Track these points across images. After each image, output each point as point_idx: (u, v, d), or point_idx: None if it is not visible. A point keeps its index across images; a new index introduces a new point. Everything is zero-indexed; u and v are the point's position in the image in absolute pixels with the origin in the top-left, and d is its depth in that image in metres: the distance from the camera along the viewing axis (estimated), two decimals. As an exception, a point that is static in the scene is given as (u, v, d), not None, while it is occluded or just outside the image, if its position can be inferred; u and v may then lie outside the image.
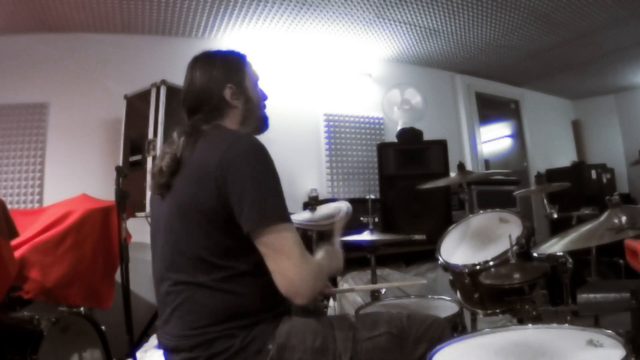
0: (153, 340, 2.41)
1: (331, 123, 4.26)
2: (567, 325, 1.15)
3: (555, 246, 1.38)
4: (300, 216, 2.19)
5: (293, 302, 1.12)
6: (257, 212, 1.10)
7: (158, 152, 2.77)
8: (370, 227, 2.15)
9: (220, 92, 1.30)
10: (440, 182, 2.27)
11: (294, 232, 1.13)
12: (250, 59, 1.43)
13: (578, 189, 4.83)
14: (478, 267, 1.69)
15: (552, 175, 5.22)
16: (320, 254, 1.29)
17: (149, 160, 2.80)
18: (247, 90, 1.35)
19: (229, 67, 1.35)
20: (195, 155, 1.20)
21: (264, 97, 1.44)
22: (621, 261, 3.37)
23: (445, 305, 1.82)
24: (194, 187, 1.16)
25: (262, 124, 1.43)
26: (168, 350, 1.20)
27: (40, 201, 3.20)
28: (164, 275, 1.21)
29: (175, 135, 1.28)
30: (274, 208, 1.12)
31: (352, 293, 3.02)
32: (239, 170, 1.11)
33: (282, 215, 1.12)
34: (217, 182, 1.12)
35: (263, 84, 1.47)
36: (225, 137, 1.21)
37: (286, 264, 1.09)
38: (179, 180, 1.21)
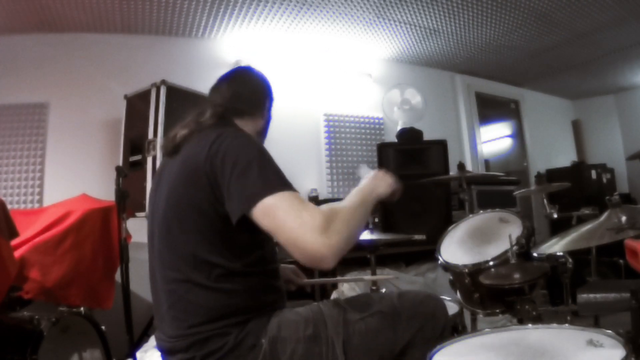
0: (153, 340, 2.40)
1: (331, 123, 4.26)
2: (567, 325, 1.15)
3: (555, 246, 1.38)
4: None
5: (320, 267, 0.99)
6: (241, 195, 1.04)
7: (158, 152, 2.77)
8: (370, 227, 2.15)
9: (263, 102, 1.44)
10: (441, 178, 2.26)
11: (285, 197, 1.02)
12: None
13: (578, 189, 4.83)
14: (478, 267, 1.69)
15: (552, 175, 5.22)
16: (349, 195, 1.17)
17: (149, 160, 2.80)
18: (270, 113, 1.49)
19: (269, 88, 1.50)
20: (191, 145, 1.21)
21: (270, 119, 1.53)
22: (621, 261, 3.37)
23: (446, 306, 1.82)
24: (185, 182, 1.16)
25: (263, 140, 1.50)
26: (165, 352, 1.20)
27: (40, 201, 3.20)
28: (157, 273, 1.21)
29: (208, 113, 1.29)
30: (259, 184, 1.04)
31: (352, 292, 3.02)
32: (224, 160, 1.10)
33: (268, 186, 1.03)
34: (207, 176, 1.11)
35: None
36: (215, 131, 1.21)
37: (287, 233, 0.99)
38: (173, 166, 1.22)
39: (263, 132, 1.47)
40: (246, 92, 1.41)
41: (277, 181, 1.06)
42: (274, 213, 1.00)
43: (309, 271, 1.72)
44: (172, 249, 1.17)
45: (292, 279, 1.62)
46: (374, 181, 1.26)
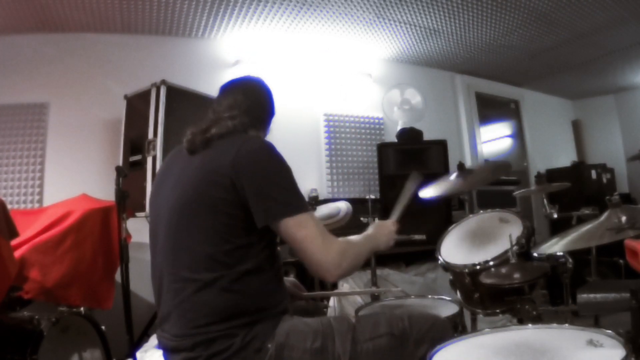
0: (153, 340, 2.41)
1: (331, 123, 4.26)
2: (567, 325, 1.15)
3: (555, 246, 1.38)
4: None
5: (325, 280, 1.19)
6: (273, 206, 1.15)
7: (158, 152, 2.77)
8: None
9: (270, 114, 1.49)
10: (440, 188, 2.24)
11: (312, 219, 1.20)
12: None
13: (578, 189, 4.83)
14: (478, 267, 1.69)
15: (552, 175, 5.22)
16: (360, 235, 1.39)
17: (149, 160, 2.81)
18: (270, 126, 1.53)
19: (274, 105, 1.53)
20: (214, 150, 1.24)
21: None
22: (621, 261, 3.37)
23: (445, 305, 1.82)
24: (203, 184, 1.18)
25: None
26: (168, 350, 1.20)
27: (40, 201, 3.20)
28: (164, 272, 1.21)
29: (237, 120, 1.33)
30: (290, 200, 1.18)
31: (352, 290, 3.02)
32: (253, 168, 1.17)
33: (298, 205, 1.18)
34: (231, 180, 1.15)
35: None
36: (239, 138, 1.27)
37: (310, 250, 1.16)
38: (191, 167, 1.24)
39: None
40: (259, 106, 1.46)
41: (303, 201, 1.22)
42: (304, 230, 1.17)
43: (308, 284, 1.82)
44: (183, 247, 1.18)
45: (294, 293, 1.65)
46: (379, 231, 1.49)
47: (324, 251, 1.17)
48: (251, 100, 1.43)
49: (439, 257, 1.89)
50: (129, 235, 2.06)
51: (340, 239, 1.25)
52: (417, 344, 1.21)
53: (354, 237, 1.34)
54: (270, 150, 1.23)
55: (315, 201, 2.27)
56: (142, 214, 2.65)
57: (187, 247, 1.17)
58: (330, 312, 2.47)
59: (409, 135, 3.94)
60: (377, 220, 1.56)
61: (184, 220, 1.18)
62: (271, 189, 1.16)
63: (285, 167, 1.22)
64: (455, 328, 1.60)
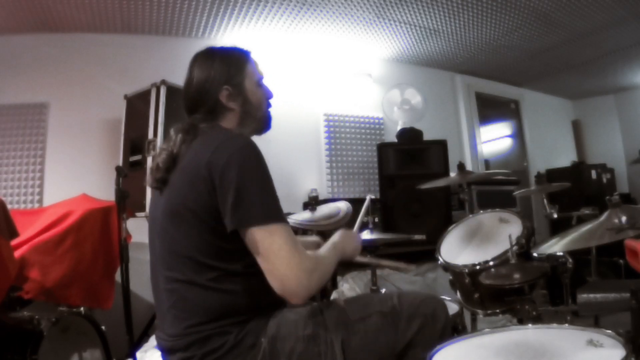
0: (153, 340, 2.41)
1: (331, 123, 4.26)
2: (567, 325, 1.15)
3: (555, 246, 1.38)
4: (300, 216, 2.19)
5: (288, 302, 1.09)
6: (242, 212, 1.07)
7: (155, 157, 2.76)
8: (370, 227, 2.14)
9: (216, 94, 1.28)
10: (440, 182, 2.26)
11: (283, 230, 1.09)
12: (254, 55, 1.40)
13: (578, 189, 4.83)
14: (478, 267, 1.69)
15: (552, 175, 5.22)
16: (326, 245, 1.27)
17: (149, 160, 2.80)
18: (246, 92, 1.32)
19: (228, 67, 1.33)
20: (189, 153, 1.20)
21: (268, 96, 1.40)
22: (621, 261, 3.37)
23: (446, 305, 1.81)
24: (186, 187, 1.15)
25: (263, 124, 1.40)
26: (165, 351, 1.20)
27: (40, 201, 3.20)
28: (159, 274, 1.22)
29: (172, 132, 1.27)
30: (260, 207, 1.08)
31: (352, 292, 3.02)
32: (226, 171, 1.09)
33: (268, 214, 1.09)
34: (205, 182, 1.10)
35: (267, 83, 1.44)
36: (216, 137, 1.19)
37: (275, 264, 1.06)
38: (174, 177, 1.21)
39: (249, 118, 1.33)
40: (192, 91, 1.31)
41: (276, 211, 1.11)
42: (270, 240, 1.07)
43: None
44: (173, 251, 1.17)
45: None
46: (346, 241, 1.33)
47: (291, 266, 1.06)
48: (195, 86, 1.30)
49: (439, 257, 1.89)
50: (129, 235, 2.06)
51: (310, 253, 1.15)
52: (409, 320, 1.20)
53: (322, 251, 1.23)
54: (248, 151, 1.13)
55: (315, 201, 2.27)
56: (142, 214, 2.65)
57: (175, 251, 1.16)
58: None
59: (409, 135, 3.94)
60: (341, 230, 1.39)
61: (172, 224, 1.17)
62: (244, 193, 1.07)
63: (262, 171, 1.12)
64: (455, 328, 1.60)
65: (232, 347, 1.11)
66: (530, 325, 1.23)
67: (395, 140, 4.02)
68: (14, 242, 1.96)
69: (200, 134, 1.24)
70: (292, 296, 1.07)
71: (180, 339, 1.13)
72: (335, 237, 1.31)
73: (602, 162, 5.60)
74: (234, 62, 1.35)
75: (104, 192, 2.60)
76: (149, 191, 2.71)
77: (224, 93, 1.29)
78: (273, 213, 1.10)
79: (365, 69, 4.45)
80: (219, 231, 1.11)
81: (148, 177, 1.29)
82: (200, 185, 1.11)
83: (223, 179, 1.09)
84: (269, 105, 1.41)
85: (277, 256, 1.06)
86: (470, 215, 2.09)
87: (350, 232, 1.39)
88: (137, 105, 3.03)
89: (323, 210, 2.18)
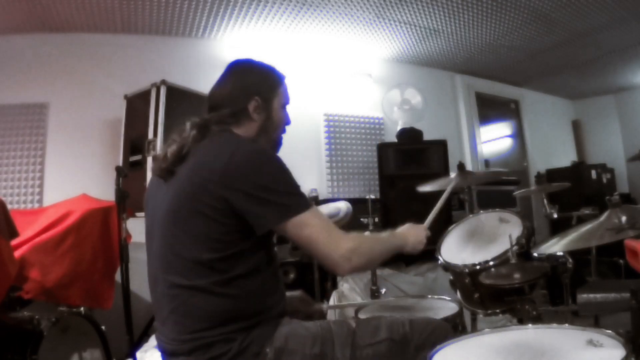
0: (153, 340, 2.41)
1: (331, 123, 4.26)
2: (567, 325, 1.15)
3: (555, 246, 1.38)
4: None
5: (338, 274, 1.16)
6: (276, 211, 1.13)
7: (158, 152, 2.77)
8: (370, 227, 2.15)
9: (246, 101, 1.32)
10: (440, 184, 2.26)
11: (315, 216, 1.17)
12: (283, 77, 1.43)
13: (578, 189, 4.83)
14: (478, 267, 1.69)
15: (552, 175, 5.22)
16: (386, 232, 1.40)
17: (149, 160, 2.80)
18: (272, 109, 1.37)
19: (265, 81, 1.38)
20: (199, 153, 1.20)
21: (287, 122, 1.44)
22: (621, 261, 3.37)
23: (445, 305, 1.81)
24: (196, 188, 1.14)
25: (273, 146, 1.42)
26: (166, 353, 1.19)
27: (40, 201, 3.20)
28: (159, 276, 1.20)
29: (187, 125, 1.28)
30: (289, 201, 1.14)
31: (352, 292, 3.02)
32: (246, 179, 1.11)
33: (298, 205, 1.15)
34: (222, 190, 1.11)
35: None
36: (230, 142, 1.21)
37: (317, 247, 1.16)
38: (181, 173, 1.20)
39: (265, 135, 1.37)
40: (224, 93, 1.34)
41: (304, 199, 1.18)
42: (307, 228, 1.15)
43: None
44: (176, 254, 1.16)
45: (300, 309, 1.58)
46: (410, 232, 1.49)
47: (331, 245, 1.16)
48: (216, 92, 1.34)
49: (439, 257, 1.89)
50: (129, 235, 2.06)
51: (354, 234, 1.24)
52: (417, 349, 1.20)
53: (374, 234, 1.33)
54: (263, 155, 1.18)
55: (315, 201, 2.27)
56: (142, 214, 2.62)
57: (179, 253, 1.15)
58: (330, 313, 2.47)
59: (409, 135, 3.94)
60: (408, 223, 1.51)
61: (177, 226, 1.16)
62: (269, 195, 1.12)
63: (281, 168, 1.17)
64: (455, 328, 1.60)
65: (236, 354, 1.10)
66: (530, 325, 1.23)
67: (395, 140, 4.02)
68: (14, 242, 1.96)
69: (210, 135, 1.25)
70: (339, 270, 1.19)
71: (184, 344, 1.12)
72: (403, 227, 1.46)
73: (602, 162, 5.60)
74: (270, 78, 1.40)
75: (104, 192, 2.60)
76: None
77: (253, 103, 1.32)
78: (302, 202, 1.16)
79: (365, 69, 4.45)
80: (227, 233, 1.12)
81: (153, 165, 1.33)
82: (215, 190, 1.11)
83: (245, 187, 1.11)
84: (284, 130, 1.45)
85: (318, 240, 1.16)
86: (471, 215, 2.09)
87: (417, 226, 1.52)
88: (137, 105, 3.03)
89: (323, 210, 2.18)
